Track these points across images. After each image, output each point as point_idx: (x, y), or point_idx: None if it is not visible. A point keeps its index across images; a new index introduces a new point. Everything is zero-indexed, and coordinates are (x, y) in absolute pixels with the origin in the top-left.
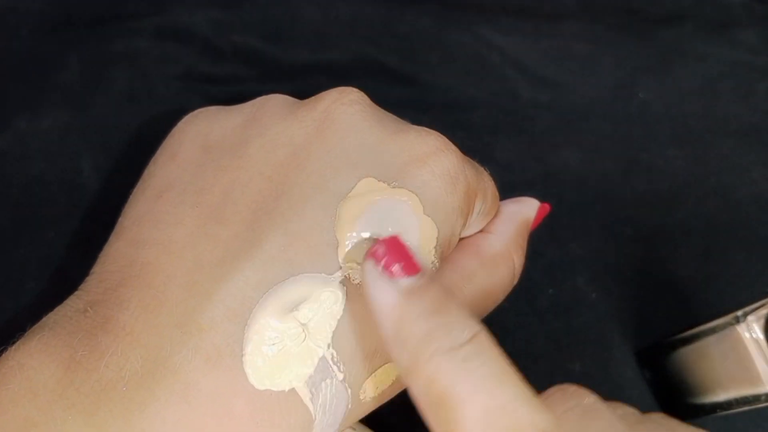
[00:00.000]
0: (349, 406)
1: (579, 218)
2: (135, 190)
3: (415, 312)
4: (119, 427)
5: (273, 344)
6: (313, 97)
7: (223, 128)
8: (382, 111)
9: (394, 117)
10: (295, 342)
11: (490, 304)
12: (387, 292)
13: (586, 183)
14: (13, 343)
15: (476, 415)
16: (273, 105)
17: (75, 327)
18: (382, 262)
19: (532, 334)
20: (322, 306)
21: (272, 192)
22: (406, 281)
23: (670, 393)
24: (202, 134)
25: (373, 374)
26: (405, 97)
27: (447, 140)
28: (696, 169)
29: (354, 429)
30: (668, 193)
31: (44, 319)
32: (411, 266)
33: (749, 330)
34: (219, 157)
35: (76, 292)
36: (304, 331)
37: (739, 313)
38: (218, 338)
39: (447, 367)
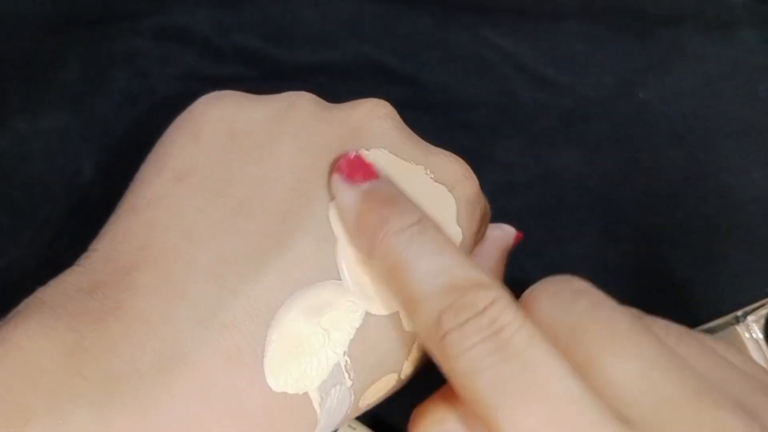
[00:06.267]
0: (349, 411)
1: (579, 218)
2: (147, 168)
3: (371, 205)
4: (131, 422)
5: (294, 347)
6: (347, 104)
7: (251, 118)
8: (410, 130)
9: (419, 138)
10: (315, 347)
11: None
12: (349, 194)
13: (586, 183)
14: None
15: (420, 276)
16: (305, 104)
17: (80, 309)
18: (345, 173)
19: None
20: (344, 314)
21: (303, 193)
22: (365, 185)
23: None
24: (227, 120)
25: (375, 384)
26: (405, 97)
27: (470, 168)
28: (696, 169)
29: (354, 429)
30: (668, 193)
31: (39, 293)
32: (369, 173)
33: (749, 330)
34: (247, 149)
35: (76, 268)
36: (324, 336)
37: (739, 313)
38: (240, 337)
39: (398, 242)
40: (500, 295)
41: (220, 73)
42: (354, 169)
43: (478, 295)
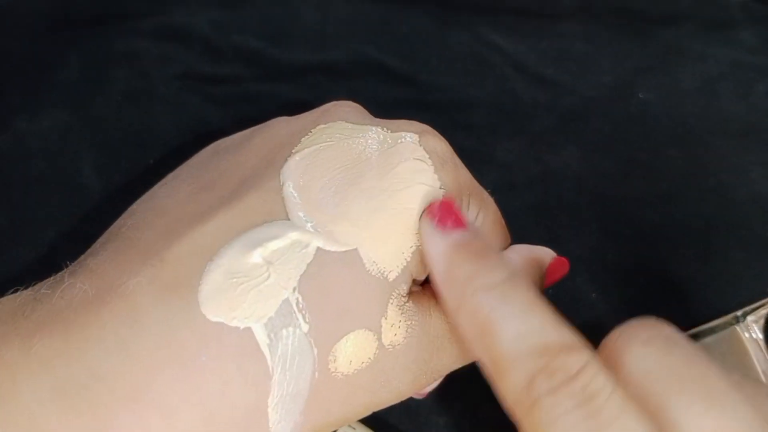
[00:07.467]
0: (316, 374)
1: (579, 218)
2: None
3: (462, 257)
4: (54, 345)
5: (233, 278)
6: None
7: (233, 138)
8: (372, 117)
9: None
10: (258, 279)
11: None
12: (440, 243)
13: (586, 183)
14: None
15: (511, 337)
16: (278, 119)
17: (50, 281)
18: (436, 219)
19: None
20: (292, 248)
21: (264, 164)
22: (455, 234)
23: None
24: (215, 145)
25: (345, 339)
26: (405, 97)
27: (437, 132)
28: (695, 168)
29: (354, 428)
30: (667, 193)
31: None
32: (459, 223)
33: (749, 330)
34: (224, 153)
35: None
36: (269, 269)
37: (739, 313)
38: (179, 270)
39: (487, 300)
40: (590, 358)
41: (219, 73)
42: (445, 214)
43: (570, 358)
